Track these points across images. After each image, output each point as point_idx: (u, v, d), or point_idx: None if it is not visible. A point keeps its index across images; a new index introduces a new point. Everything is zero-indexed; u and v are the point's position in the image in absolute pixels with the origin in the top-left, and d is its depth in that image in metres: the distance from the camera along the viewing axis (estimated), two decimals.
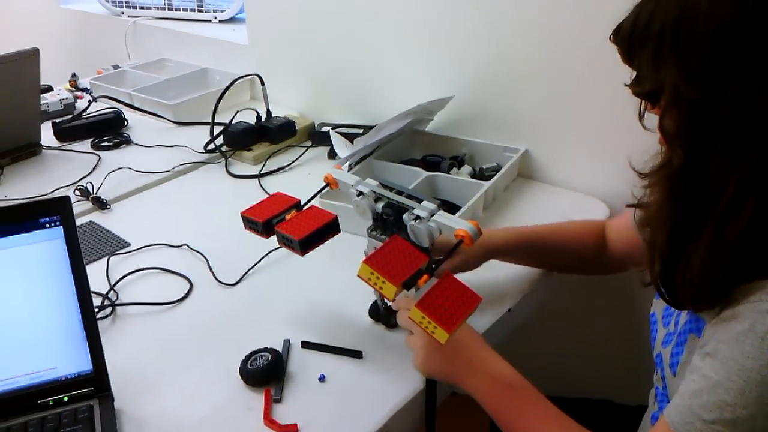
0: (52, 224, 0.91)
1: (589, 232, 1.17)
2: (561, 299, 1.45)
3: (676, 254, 0.75)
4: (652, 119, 0.78)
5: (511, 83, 1.50)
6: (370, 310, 1.10)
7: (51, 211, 0.91)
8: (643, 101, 0.79)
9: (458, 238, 0.91)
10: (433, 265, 0.91)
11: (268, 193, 1.50)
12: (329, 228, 0.99)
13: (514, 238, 1.14)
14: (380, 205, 1.00)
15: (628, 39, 0.74)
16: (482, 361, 0.93)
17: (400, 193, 0.99)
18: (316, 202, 1.06)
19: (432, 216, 0.94)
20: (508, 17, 1.45)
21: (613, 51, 0.82)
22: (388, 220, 0.99)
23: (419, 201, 0.96)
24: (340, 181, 1.04)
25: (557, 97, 1.44)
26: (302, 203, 1.04)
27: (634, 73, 0.77)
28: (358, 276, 0.89)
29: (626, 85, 0.78)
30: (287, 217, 1.00)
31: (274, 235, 1.01)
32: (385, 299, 1.06)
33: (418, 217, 0.94)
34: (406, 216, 0.96)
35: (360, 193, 1.00)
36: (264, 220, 1.00)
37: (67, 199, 0.92)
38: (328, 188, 1.07)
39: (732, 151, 0.67)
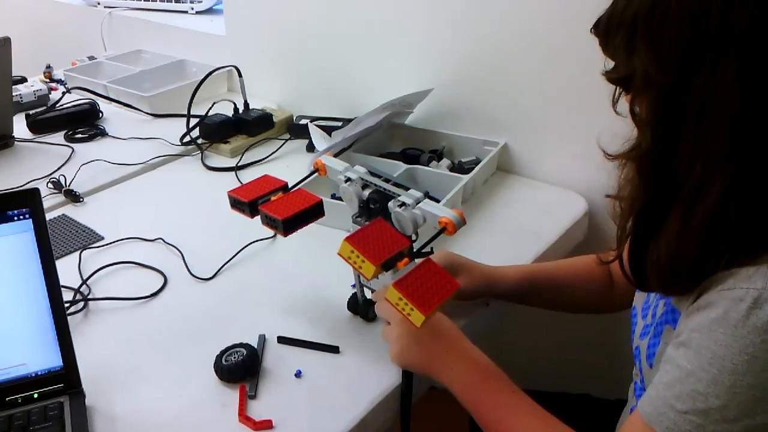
0: (21, 217, 0.89)
1: (596, 270, 1.14)
2: None
3: (644, 236, 0.75)
4: (625, 107, 0.78)
5: (492, 77, 1.49)
6: (348, 302, 1.08)
7: (19, 204, 0.88)
8: (616, 88, 0.80)
9: (441, 226, 0.91)
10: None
11: None
12: (313, 210, 0.99)
13: (518, 281, 1.11)
14: (367, 192, 1.00)
15: (605, 28, 0.75)
16: (459, 353, 0.92)
17: (387, 181, 0.99)
18: None
19: (417, 204, 0.94)
20: (489, 10, 1.44)
21: (594, 46, 0.81)
22: (374, 208, 0.99)
23: (406, 189, 0.97)
24: (329, 167, 1.04)
25: (537, 91, 1.43)
26: (289, 186, 1.04)
27: (611, 63, 0.77)
28: (339, 254, 0.89)
29: (602, 74, 0.78)
30: (273, 198, 1.00)
31: (258, 216, 1.00)
32: (364, 287, 1.05)
33: (403, 204, 0.95)
34: (391, 203, 0.96)
35: (348, 180, 1.01)
36: (250, 200, 0.99)
37: (36, 191, 0.90)
38: (316, 174, 1.07)
39: (698, 135, 0.68)
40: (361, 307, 1.07)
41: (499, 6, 1.42)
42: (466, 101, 1.55)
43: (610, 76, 0.77)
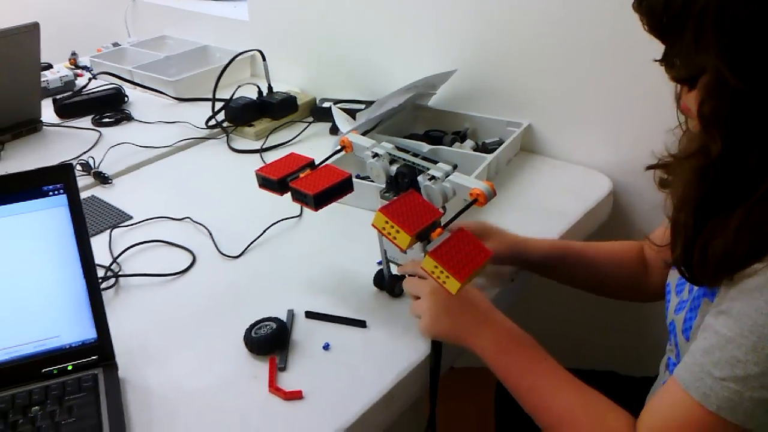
0: (56, 192, 0.90)
1: (630, 253, 1.13)
2: None
3: (699, 234, 0.74)
4: (667, 89, 0.76)
5: (515, 57, 1.49)
6: (374, 278, 1.09)
7: (54, 179, 0.90)
8: (677, 84, 0.76)
9: (473, 197, 0.92)
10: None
11: None
12: (343, 185, 0.99)
13: (550, 253, 1.11)
14: (395, 167, 1.01)
15: (662, 14, 0.70)
16: (489, 321, 0.93)
17: (415, 155, 1.00)
18: None
19: (447, 177, 0.95)
20: None
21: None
22: (403, 182, 0.99)
23: (434, 163, 0.98)
24: (356, 144, 1.05)
25: (561, 71, 1.43)
26: (316, 163, 1.04)
27: (662, 48, 0.74)
28: (373, 225, 0.90)
29: (656, 61, 0.75)
30: (301, 175, 1.00)
31: (288, 193, 1.00)
32: (390, 263, 1.05)
33: (432, 178, 0.96)
34: (420, 177, 0.97)
35: (375, 155, 1.01)
36: (279, 178, 1.00)
37: (70, 166, 0.91)
38: (341, 153, 1.08)
39: None
40: (387, 283, 1.08)
41: None
42: (490, 82, 1.55)
43: (673, 76, 0.73)
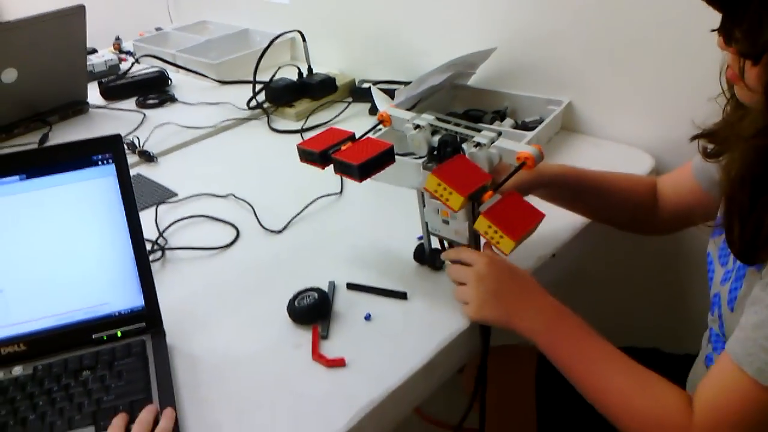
0: (105, 162, 0.93)
1: (641, 186, 1.15)
2: (607, 245, 1.43)
3: (753, 211, 0.73)
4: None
5: (554, 35, 1.48)
6: (415, 253, 1.10)
7: (103, 149, 0.92)
8: (741, 60, 0.73)
9: (521, 161, 0.92)
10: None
11: None
12: (386, 156, 0.98)
13: (565, 171, 1.11)
14: (436, 138, 1.01)
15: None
16: (538, 304, 0.93)
17: (457, 125, 1.00)
18: None
19: (492, 143, 0.95)
20: None
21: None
22: (446, 151, 0.99)
23: (478, 131, 0.98)
24: (395, 117, 1.05)
25: (601, 48, 1.42)
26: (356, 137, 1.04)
27: (713, 15, 0.73)
28: (424, 189, 0.91)
29: (713, 31, 0.75)
30: (343, 147, 1.00)
31: (331, 166, 1.00)
32: (431, 236, 1.06)
33: (478, 144, 0.96)
34: (465, 145, 0.97)
35: (417, 127, 1.01)
36: (321, 150, 0.99)
37: (118, 136, 0.94)
38: (381, 128, 1.08)
39: None
40: (427, 257, 1.09)
41: None
42: (529, 60, 1.54)
43: (740, 50, 0.72)
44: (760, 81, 0.70)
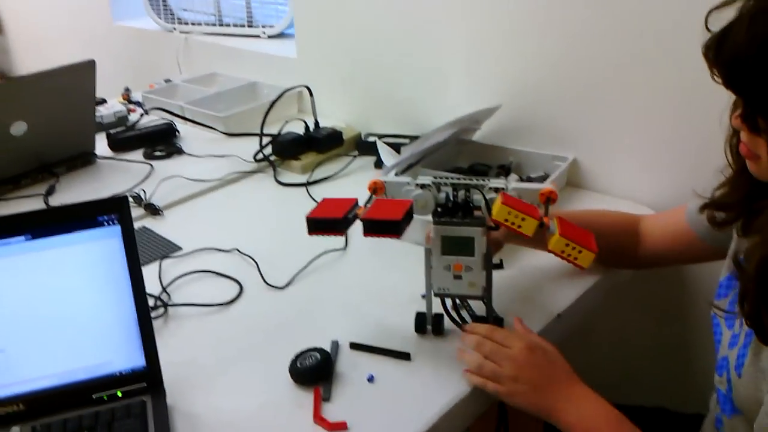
0: (110, 223, 0.93)
1: (624, 223, 1.18)
2: (611, 304, 1.43)
3: None
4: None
5: (559, 92, 1.49)
6: (416, 324, 1.07)
7: (109, 210, 0.93)
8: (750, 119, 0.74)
9: (545, 196, 0.98)
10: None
11: (315, 201, 1.52)
12: (410, 212, 0.97)
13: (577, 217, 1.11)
14: (443, 194, 1.01)
15: (730, 59, 0.70)
16: (577, 397, 0.93)
17: (458, 179, 1.03)
18: None
19: (508, 187, 0.99)
20: (554, 27, 1.45)
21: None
22: (458, 202, 1.00)
23: (481, 182, 1.02)
24: (392, 183, 1.05)
25: (607, 105, 1.43)
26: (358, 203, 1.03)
27: (717, 88, 0.74)
28: (494, 219, 0.94)
29: (736, 119, 0.76)
30: (358, 211, 0.99)
31: (348, 229, 0.99)
32: (433, 297, 1.05)
33: (497, 190, 0.98)
34: (476, 197, 1.00)
35: (422, 186, 1.02)
36: (343, 216, 0.97)
37: (124, 198, 0.94)
38: (373, 197, 1.05)
39: None
40: (431, 323, 1.07)
41: (564, 23, 1.43)
42: (534, 116, 1.56)
43: (747, 118, 0.73)
44: None
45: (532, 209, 0.94)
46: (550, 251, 0.94)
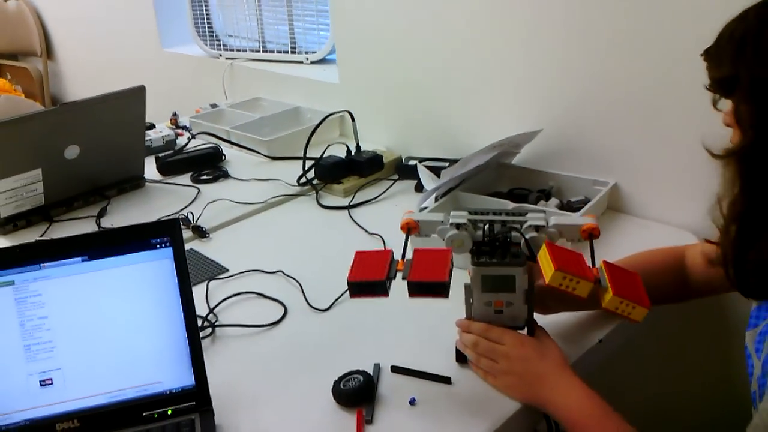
0: (163, 245, 0.97)
1: (671, 261, 1.17)
2: (654, 328, 1.42)
3: (747, 240, 0.79)
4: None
5: (600, 116, 1.50)
6: (456, 356, 1.07)
7: (162, 233, 0.97)
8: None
9: (587, 232, 0.97)
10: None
11: (357, 224, 1.55)
12: (452, 260, 0.97)
13: None
14: (479, 231, 1.01)
15: (715, 48, 0.83)
16: (574, 391, 0.95)
17: (496, 214, 1.02)
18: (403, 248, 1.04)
19: (548, 223, 0.98)
20: (595, 50, 1.46)
21: (703, 82, 0.85)
22: (497, 242, 1.00)
23: (522, 215, 1.01)
24: (426, 222, 1.03)
25: (647, 129, 1.43)
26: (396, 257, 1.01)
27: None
28: (549, 284, 0.91)
29: (707, 87, 0.86)
30: (398, 267, 0.98)
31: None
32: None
33: (537, 227, 0.98)
34: (515, 234, 0.99)
35: (458, 226, 1.00)
36: (385, 277, 0.96)
37: (176, 221, 0.98)
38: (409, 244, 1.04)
39: None
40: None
41: (605, 46, 1.44)
42: (575, 141, 1.57)
43: (714, 76, 0.84)
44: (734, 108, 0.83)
45: (585, 270, 0.93)
46: (604, 309, 0.94)
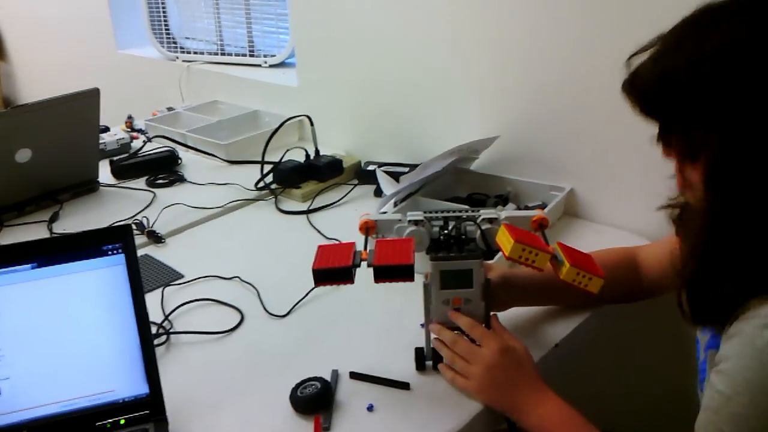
0: (115, 251, 0.95)
1: (623, 258, 1.19)
2: (610, 333, 1.44)
3: (704, 279, 0.79)
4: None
5: (556, 123, 1.52)
6: (416, 363, 1.07)
7: (114, 239, 0.95)
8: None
9: (537, 222, 1.00)
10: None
11: (316, 229, 1.55)
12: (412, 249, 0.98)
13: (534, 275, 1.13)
14: (435, 229, 1.03)
15: (655, 97, 0.79)
16: (541, 399, 0.96)
17: (448, 212, 1.05)
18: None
19: (501, 215, 1.01)
20: (553, 58, 1.48)
21: None
22: (451, 236, 1.02)
23: (474, 211, 1.04)
24: (383, 221, 1.05)
25: (602, 136, 1.45)
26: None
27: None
28: (508, 258, 0.94)
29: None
30: (363, 256, 0.99)
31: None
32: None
33: (491, 221, 1.00)
34: (471, 227, 1.01)
35: (416, 222, 1.03)
36: (351, 263, 0.97)
37: (129, 227, 0.96)
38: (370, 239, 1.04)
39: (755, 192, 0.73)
40: (431, 356, 1.07)
41: (563, 55, 1.46)
42: (532, 147, 1.58)
43: (681, 153, 0.81)
44: (701, 178, 0.78)
45: (542, 243, 0.96)
46: (561, 281, 0.95)
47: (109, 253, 0.95)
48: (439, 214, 1.04)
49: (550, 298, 1.18)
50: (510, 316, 1.16)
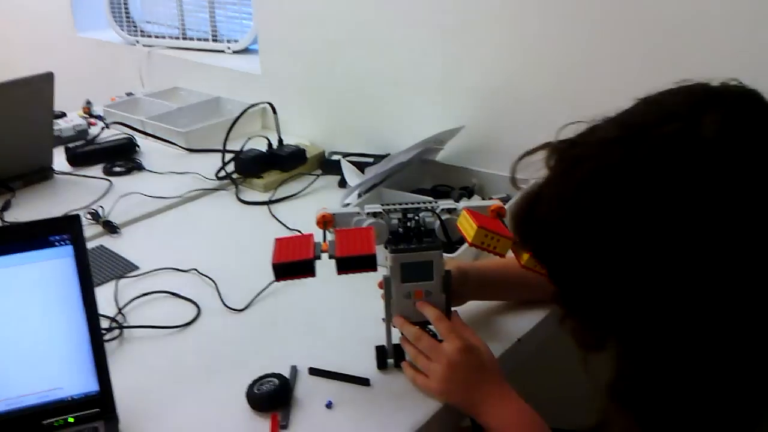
0: (62, 243, 0.91)
1: None
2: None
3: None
4: None
5: (522, 114, 1.51)
6: (378, 361, 1.04)
7: (61, 230, 0.90)
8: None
9: (495, 212, 0.99)
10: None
11: (278, 220, 1.51)
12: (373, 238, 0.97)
13: (492, 263, 1.13)
14: (395, 220, 1.01)
15: (523, 230, 0.79)
16: (503, 399, 0.95)
17: (405, 203, 1.04)
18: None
19: (459, 206, 1.00)
20: (519, 48, 1.46)
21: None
22: (410, 228, 1.01)
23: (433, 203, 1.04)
24: (342, 214, 1.03)
25: (569, 128, 1.44)
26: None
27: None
28: (471, 244, 0.94)
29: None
30: (323, 248, 0.97)
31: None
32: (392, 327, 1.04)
33: (450, 211, 1.00)
34: (429, 219, 1.00)
35: (375, 215, 1.01)
36: (313, 255, 0.95)
37: (77, 217, 0.92)
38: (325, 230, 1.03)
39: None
40: (391, 356, 1.05)
41: (528, 43, 1.44)
42: (497, 138, 1.57)
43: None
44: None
45: (504, 229, 0.95)
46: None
47: (56, 244, 0.91)
48: (398, 206, 1.03)
49: (506, 293, 1.17)
50: (472, 310, 1.15)
